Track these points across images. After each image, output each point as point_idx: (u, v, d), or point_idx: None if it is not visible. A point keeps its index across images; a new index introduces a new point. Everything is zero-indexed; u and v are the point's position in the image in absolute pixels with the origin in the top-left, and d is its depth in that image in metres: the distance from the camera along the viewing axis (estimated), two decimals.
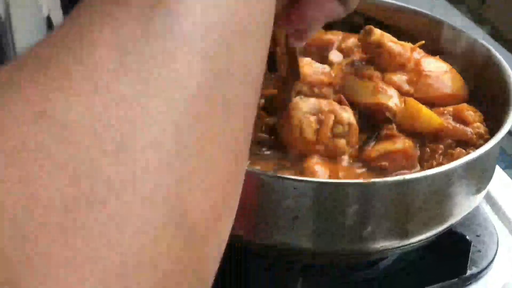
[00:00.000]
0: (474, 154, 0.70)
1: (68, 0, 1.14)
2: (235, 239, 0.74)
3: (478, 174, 0.72)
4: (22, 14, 1.17)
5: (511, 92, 0.77)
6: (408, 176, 0.69)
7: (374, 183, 0.68)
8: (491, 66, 0.82)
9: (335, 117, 0.75)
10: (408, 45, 0.83)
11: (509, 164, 1.85)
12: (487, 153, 0.71)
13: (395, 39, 0.82)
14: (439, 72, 0.82)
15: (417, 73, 0.81)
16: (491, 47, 0.82)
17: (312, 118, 0.75)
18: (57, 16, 1.13)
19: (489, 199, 0.87)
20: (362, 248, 0.70)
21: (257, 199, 0.69)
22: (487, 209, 0.86)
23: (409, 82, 0.81)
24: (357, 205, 0.67)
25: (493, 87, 0.80)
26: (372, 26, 0.81)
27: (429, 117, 0.78)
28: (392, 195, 0.68)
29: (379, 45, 0.80)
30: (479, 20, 1.82)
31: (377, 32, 0.81)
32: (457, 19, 1.82)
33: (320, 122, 0.75)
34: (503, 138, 0.72)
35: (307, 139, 0.75)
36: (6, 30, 1.16)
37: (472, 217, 0.83)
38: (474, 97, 0.84)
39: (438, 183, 0.69)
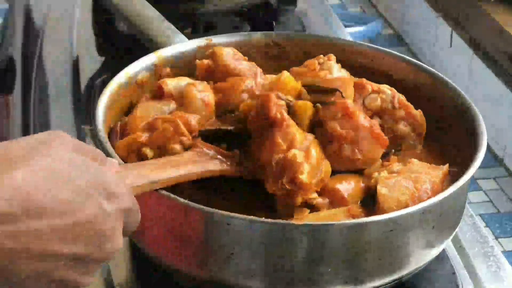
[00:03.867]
0: (428, 202, 0.65)
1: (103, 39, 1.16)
2: (175, 272, 0.71)
3: (432, 226, 0.67)
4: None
5: (479, 140, 0.72)
6: (356, 221, 0.65)
7: (312, 225, 0.64)
8: (461, 110, 0.78)
9: None
10: None
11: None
12: (443, 202, 0.66)
13: None
14: None
15: None
16: (463, 92, 0.77)
17: None
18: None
19: (461, 253, 0.81)
20: None
21: (195, 233, 0.66)
22: (458, 265, 0.80)
23: None
24: (296, 247, 0.64)
25: (460, 130, 0.76)
26: None
27: None
28: (339, 239, 0.64)
29: None
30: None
31: None
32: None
33: None
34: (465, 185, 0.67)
35: None
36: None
37: (438, 272, 0.77)
38: (438, 142, 0.79)
39: (386, 229, 0.64)
